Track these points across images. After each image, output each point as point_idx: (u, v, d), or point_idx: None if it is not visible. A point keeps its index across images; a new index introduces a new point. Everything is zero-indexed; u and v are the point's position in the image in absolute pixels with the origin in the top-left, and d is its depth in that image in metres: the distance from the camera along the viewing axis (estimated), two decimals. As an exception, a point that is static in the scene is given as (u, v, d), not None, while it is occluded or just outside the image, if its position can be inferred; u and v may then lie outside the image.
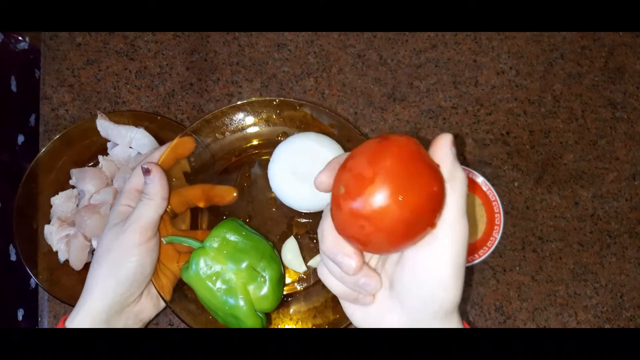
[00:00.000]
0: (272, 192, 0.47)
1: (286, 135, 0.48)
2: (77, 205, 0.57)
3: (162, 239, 0.44)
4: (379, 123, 0.63)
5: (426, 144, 0.63)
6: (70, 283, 0.55)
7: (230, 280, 0.38)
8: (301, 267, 0.46)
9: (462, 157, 0.63)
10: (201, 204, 0.48)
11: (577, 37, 0.68)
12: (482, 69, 0.66)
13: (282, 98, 0.50)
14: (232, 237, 0.39)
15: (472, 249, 0.58)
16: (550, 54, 0.67)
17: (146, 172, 0.42)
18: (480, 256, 0.57)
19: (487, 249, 0.57)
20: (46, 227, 0.56)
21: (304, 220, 0.48)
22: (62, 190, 0.57)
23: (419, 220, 0.29)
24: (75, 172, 0.57)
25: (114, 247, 0.40)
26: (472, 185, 0.59)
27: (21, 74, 0.66)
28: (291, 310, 0.44)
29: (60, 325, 0.42)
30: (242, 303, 0.38)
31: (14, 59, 0.66)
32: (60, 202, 0.57)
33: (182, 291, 0.44)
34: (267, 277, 0.39)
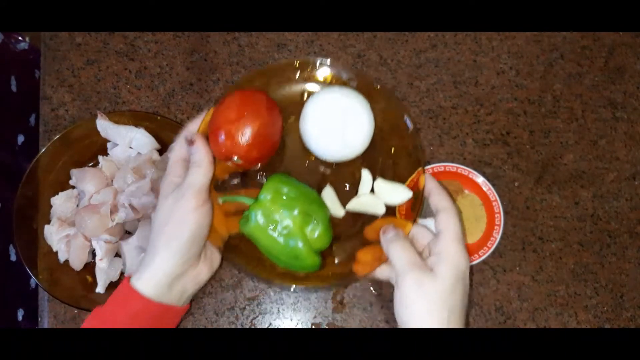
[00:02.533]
0: (305, 147, 0.51)
1: (310, 93, 0.52)
2: (77, 206, 0.57)
3: (219, 199, 0.48)
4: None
5: (426, 143, 0.63)
6: (70, 283, 0.55)
7: (288, 226, 0.43)
8: (340, 212, 0.50)
9: (462, 158, 0.63)
10: (240, 169, 0.51)
11: (577, 37, 0.68)
12: (482, 69, 0.66)
13: (303, 58, 0.56)
14: (283, 189, 0.44)
15: (472, 248, 0.58)
16: (550, 54, 0.67)
17: (190, 142, 0.46)
18: (480, 256, 0.57)
19: (487, 249, 0.57)
20: (46, 227, 0.56)
21: (335, 170, 0.53)
22: (62, 190, 0.57)
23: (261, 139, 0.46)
24: (75, 172, 0.57)
25: (173, 213, 0.43)
26: (472, 185, 0.59)
27: (21, 74, 0.66)
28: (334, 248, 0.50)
29: (125, 283, 0.44)
30: (300, 244, 0.44)
31: (14, 59, 0.66)
32: (60, 203, 0.57)
33: (231, 248, 0.50)
34: (319, 220, 0.44)
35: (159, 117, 0.59)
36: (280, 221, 0.43)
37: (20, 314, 0.61)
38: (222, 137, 0.45)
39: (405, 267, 0.42)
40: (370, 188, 0.50)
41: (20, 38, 0.67)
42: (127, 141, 0.57)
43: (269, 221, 0.43)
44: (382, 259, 0.46)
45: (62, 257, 0.55)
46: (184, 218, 0.43)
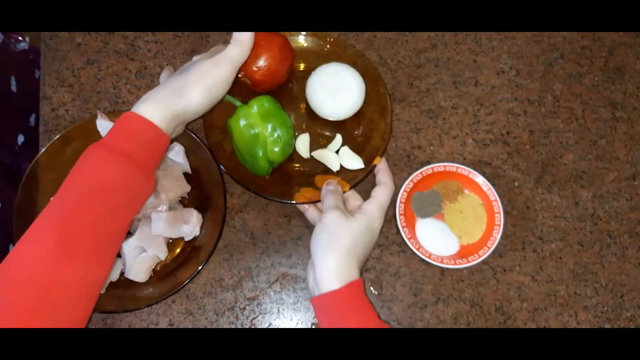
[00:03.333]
0: (303, 103, 0.62)
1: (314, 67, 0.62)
2: (77, 206, 0.57)
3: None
4: (379, 123, 0.63)
5: (426, 143, 0.63)
6: (70, 283, 0.55)
7: (258, 133, 0.53)
8: (306, 154, 0.60)
9: (462, 158, 0.63)
10: (251, 90, 0.60)
11: (577, 37, 0.68)
12: (482, 69, 0.66)
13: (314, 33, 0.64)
14: (267, 105, 0.54)
15: (472, 248, 0.58)
16: (550, 54, 0.67)
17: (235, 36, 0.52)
18: (480, 256, 0.56)
19: (487, 249, 0.57)
20: (46, 227, 0.56)
21: (319, 125, 0.62)
22: (62, 190, 0.57)
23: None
24: (75, 172, 0.57)
25: (210, 75, 0.49)
26: (472, 185, 0.59)
27: (21, 74, 0.66)
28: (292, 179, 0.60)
29: (128, 114, 0.46)
30: (260, 151, 0.54)
31: (14, 59, 0.66)
32: (60, 202, 0.57)
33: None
34: (282, 140, 0.54)
35: (159, 117, 0.59)
36: (254, 126, 0.53)
37: (20, 313, 0.61)
38: None
39: (332, 207, 0.50)
40: (337, 149, 0.60)
41: (20, 38, 0.67)
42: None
43: (247, 123, 0.53)
44: (315, 198, 0.56)
45: (62, 257, 0.55)
46: (218, 84, 0.49)
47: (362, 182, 0.57)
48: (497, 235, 0.57)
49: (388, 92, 0.60)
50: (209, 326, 0.57)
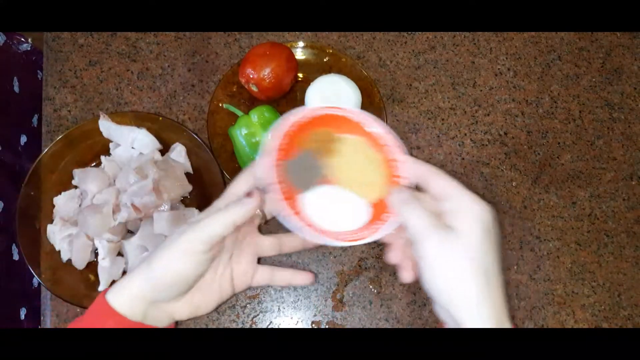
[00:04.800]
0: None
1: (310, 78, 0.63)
2: (79, 205, 0.58)
3: (223, 105, 0.61)
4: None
5: (425, 144, 0.64)
6: (73, 282, 0.56)
7: (258, 141, 0.56)
8: None
9: (461, 158, 0.63)
10: (257, 97, 0.62)
11: (574, 39, 0.68)
12: (480, 70, 0.67)
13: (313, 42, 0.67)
14: (267, 114, 0.57)
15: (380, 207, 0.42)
16: (547, 55, 0.68)
17: (248, 193, 0.40)
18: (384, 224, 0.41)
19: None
20: (49, 226, 0.57)
21: None
22: (65, 190, 0.58)
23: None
24: (77, 173, 0.57)
25: (169, 246, 0.39)
26: (344, 124, 0.44)
27: (24, 75, 0.67)
28: None
29: (101, 298, 0.41)
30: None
31: (16, 61, 0.67)
32: (63, 202, 0.57)
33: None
34: None
35: (160, 118, 0.59)
36: (255, 135, 0.57)
37: (22, 312, 0.61)
38: (249, 68, 0.58)
39: (424, 232, 0.36)
40: None
41: (22, 39, 0.67)
42: (129, 141, 0.58)
43: (248, 132, 0.57)
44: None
45: (64, 257, 0.56)
46: (170, 256, 0.39)
47: None
48: (401, 166, 0.43)
49: (383, 103, 0.61)
50: (210, 324, 0.58)
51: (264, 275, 0.46)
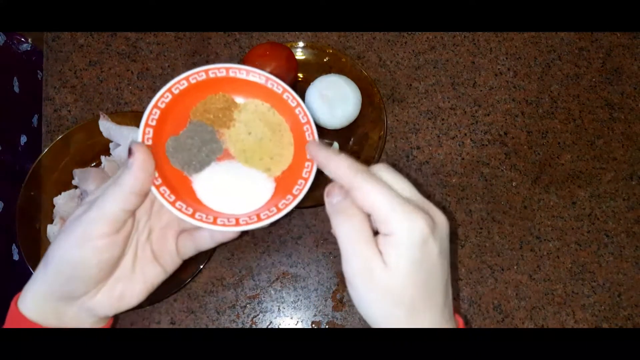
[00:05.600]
0: None
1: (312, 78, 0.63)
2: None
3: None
4: (378, 123, 0.64)
5: (424, 144, 0.64)
6: (73, 282, 0.56)
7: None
8: None
9: (461, 158, 0.63)
10: None
11: (574, 39, 0.68)
12: (480, 70, 0.67)
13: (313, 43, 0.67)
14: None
15: (294, 173, 0.37)
16: (547, 55, 0.68)
17: (129, 152, 0.34)
18: (309, 175, 0.36)
19: (309, 163, 0.37)
20: (49, 227, 0.57)
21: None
22: (65, 190, 0.58)
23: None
24: (77, 173, 0.57)
25: (66, 232, 0.34)
26: (243, 87, 0.39)
27: (24, 75, 0.67)
28: None
29: (12, 304, 0.37)
30: None
31: (16, 61, 0.67)
32: (63, 202, 0.57)
33: None
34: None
35: (160, 118, 0.59)
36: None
37: (22, 312, 0.61)
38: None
39: (350, 252, 0.32)
40: None
41: (22, 39, 0.67)
42: (129, 141, 0.58)
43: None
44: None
45: (64, 257, 0.56)
46: (68, 244, 0.34)
47: None
48: (313, 129, 0.37)
49: (383, 103, 0.61)
50: (210, 324, 0.58)
51: (187, 244, 0.39)
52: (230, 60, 0.65)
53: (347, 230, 0.32)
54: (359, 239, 0.32)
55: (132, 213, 0.35)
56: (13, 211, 0.55)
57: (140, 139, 0.36)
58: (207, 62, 0.65)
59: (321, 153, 0.35)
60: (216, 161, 0.38)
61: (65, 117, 0.63)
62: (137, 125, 0.57)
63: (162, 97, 0.37)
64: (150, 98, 0.66)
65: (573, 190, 0.63)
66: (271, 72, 0.48)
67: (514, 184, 0.63)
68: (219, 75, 0.38)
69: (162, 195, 0.34)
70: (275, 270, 0.59)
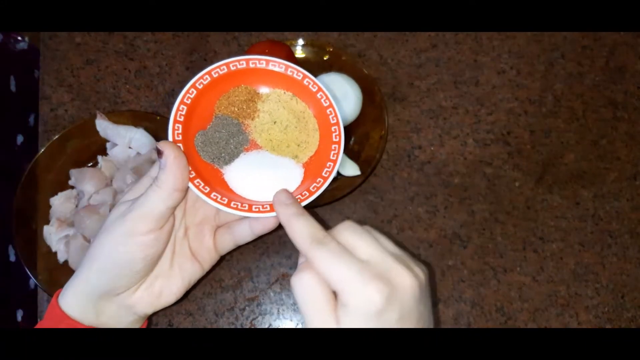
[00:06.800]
0: None
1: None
2: (76, 206, 0.57)
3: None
4: (379, 122, 0.63)
5: (427, 143, 0.63)
6: (70, 284, 0.55)
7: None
8: None
9: (463, 158, 0.63)
10: None
11: (578, 37, 0.68)
12: (482, 68, 0.66)
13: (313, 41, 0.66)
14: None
15: (321, 159, 0.39)
16: (551, 54, 0.67)
17: (158, 153, 0.35)
18: (335, 162, 0.38)
19: (337, 146, 0.38)
20: (45, 227, 0.56)
21: None
22: (62, 190, 0.57)
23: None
24: (74, 173, 0.57)
25: (110, 230, 0.36)
26: (265, 77, 0.41)
27: (20, 74, 0.66)
28: None
29: (53, 300, 0.38)
30: None
31: (13, 59, 0.66)
32: (60, 203, 0.56)
33: None
34: None
35: (158, 117, 0.59)
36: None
37: (19, 314, 0.60)
38: None
39: (309, 315, 0.33)
40: None
41: (19, 38, 0.67)
42: (127, 141, 0.57)
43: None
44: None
45: (61, 258, 0.55)
46: (115, 241, 0.35)
47: (358, 188, 0.57)
48: (336, 112, 0.38)
49: (384, 102, 0.60)
50: (208, 327, 0.57)
51: (225, 238, 0.41)
52: (228, 57, 0.64)
53: (305, 294, 0.32)
54: (314, 306, 0.32)
55: (174, 209, 0.36)
56: (9, 212, 0.55)
57: (170, 136, 0.37)
58: (206, 61, 0.64)
59: (282, 213, 0.35)
60: (244, 152, 0.39)
61: (62, 116, 0.62)
62: (134, 125, 0.57)
63: (188, 92, 0.39)
64: (148, 97, 0.66)
65: (576, 191, 0.62)
66: None
67: (517, 184, 0.62)
68: (239, 67, 0.40)
69: (197, 187, 0.36)
70: (274, 272, 0.59)
